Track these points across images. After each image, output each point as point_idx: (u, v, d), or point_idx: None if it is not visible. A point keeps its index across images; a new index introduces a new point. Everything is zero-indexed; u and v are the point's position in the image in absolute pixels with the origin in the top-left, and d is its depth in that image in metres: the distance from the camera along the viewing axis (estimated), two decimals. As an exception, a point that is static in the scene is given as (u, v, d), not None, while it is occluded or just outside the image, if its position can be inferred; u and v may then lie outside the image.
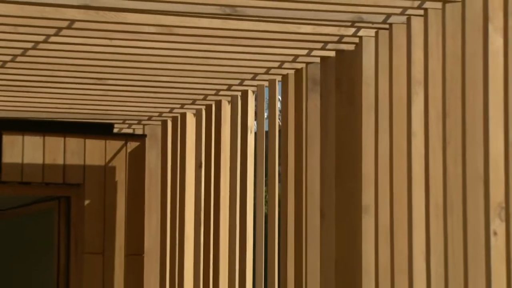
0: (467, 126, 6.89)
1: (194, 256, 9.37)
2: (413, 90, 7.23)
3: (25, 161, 9.49)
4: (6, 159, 9.46)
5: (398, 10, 7.12)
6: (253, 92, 8.80)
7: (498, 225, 6.67)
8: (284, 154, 8.28)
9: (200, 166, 9.31)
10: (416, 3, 6.99)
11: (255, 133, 8.89)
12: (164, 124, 9.76)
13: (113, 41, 7.65)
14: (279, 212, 8.29)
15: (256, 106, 8.89)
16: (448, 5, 6.96)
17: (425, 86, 7.17)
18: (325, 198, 7.90)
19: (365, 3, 7.02)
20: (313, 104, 8.00)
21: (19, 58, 7.94)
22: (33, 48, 7.72)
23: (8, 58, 7.93)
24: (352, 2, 7.00)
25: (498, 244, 6.65)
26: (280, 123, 8.40)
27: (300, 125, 8.09)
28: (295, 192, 8.11)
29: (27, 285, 10.34)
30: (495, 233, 6.68)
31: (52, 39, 7.51)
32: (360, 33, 7.47)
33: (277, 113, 8.49)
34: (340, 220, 7.76)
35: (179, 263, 9.47)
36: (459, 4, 6.90)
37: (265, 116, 8.89)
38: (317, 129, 7.98)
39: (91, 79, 8.53)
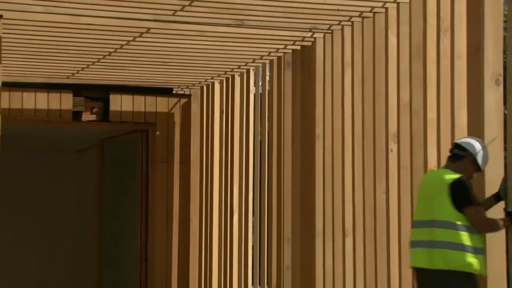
0: (376, 89, 6.94)
1: (219, 163, 9.35)
2: (345, 69, 7.27)
3: (123, 109, 9.41)
4: (112, 108, 9.39)
5: (336, 22, 7.16)
6: (253, 69, 8.75)
7: (393, 146, 6.71)
8: (270, 105, 8.27)
9: (223, 112, 9.29)
10: (347, 18, 7.03)
11: (254, 94, 8.87)
12: (201, 88, 9.73)
13: (172, 40, 7.68)
14: (268, 139, 8.31)
15: (254, 78, 8.86)
16: (365, 19, 7.00)
17: (352, 66, 7.23)
18: (294, 130, 7.92)
19: (318, 18, 7.06)
20: (287, 77, 7.99)
21: (118, 50, 7.95)
22: (126, 44, 7.74)
23: (112, 49, 7.94)
24: (310, 18, 7.05)
25: (392, 156, 6.70)
26: (268, 88, 8.39)
27: (280, 89, 8.09)
28: (277, 127, 8.11)
29: (125, 183, 10.29)
30: (391, 150, 6.71)
31: (138, 39, 7.56)
32: (314, 36, 7.50)
33: (267, 82, 8.49)
34: (303, 143, 7.80)
35: (210, 167, 9.44)
36: (371, 19, 6.93)
37: (260, 84, 8.87)
38: (290, 91, 7.98)
39: (160, 62, 8.54)
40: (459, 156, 5.48)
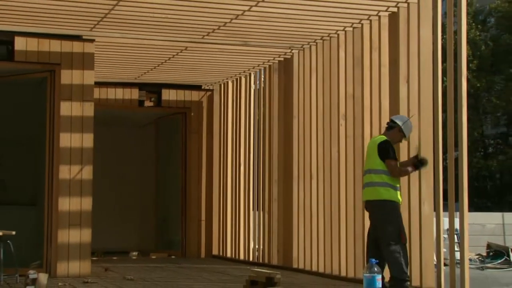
0: (331, 85, 6.89)
1: (231, 134, 9.21)
2: (312, 73, 7.23)
3: (170, 99, 9.34)
4: (163, 98, 9.31)
5: (306, 43, 7.12)
6: (253, 73, 8.68)
7: (342, 122, 6.66)
8: (264, 96, 8.19)
9: (234, 101, 9.19)
10: (313, 40, 6.98)
11: (254, 90, 8.82)
12: (220, 85, 9.61)
13: (201, 54, 7.59)
14: (262, 117, 8.23)
15: (253, 79, 8.79)
16: (324, 41, 6.94)
17: (316, 71, 7.18)
18: (279, 112, 7.83)
19: (294, 41, 7.00)
20: (275, 78, 7.92)
21: (167, 61, 7.88)
22: (172, 57, 7.66)
23: (163, 60, 7.87)
24: (289, 40, 6.98)
25: (342, 129, 6.64)
26: (263, 85, 8.35)
27: (270, 86, 8.00)
28: (268, 110, 8.03)
29: (172, 146, 10.21)
30: (341, 125, 6.66)
31: (179, 54, 7.49)
32: (292, 51, 7.43)
33: (262, 81, 8.44)
34: (285, 120, 7.72)
35: (226, 136, 9.29)
36: (328, 41, 6.88)
37: (257, 83, 8.80)
38: (276, 88, 7.90)
39: (194, 68, 8.43)
40: (391, 126, 5.57)
